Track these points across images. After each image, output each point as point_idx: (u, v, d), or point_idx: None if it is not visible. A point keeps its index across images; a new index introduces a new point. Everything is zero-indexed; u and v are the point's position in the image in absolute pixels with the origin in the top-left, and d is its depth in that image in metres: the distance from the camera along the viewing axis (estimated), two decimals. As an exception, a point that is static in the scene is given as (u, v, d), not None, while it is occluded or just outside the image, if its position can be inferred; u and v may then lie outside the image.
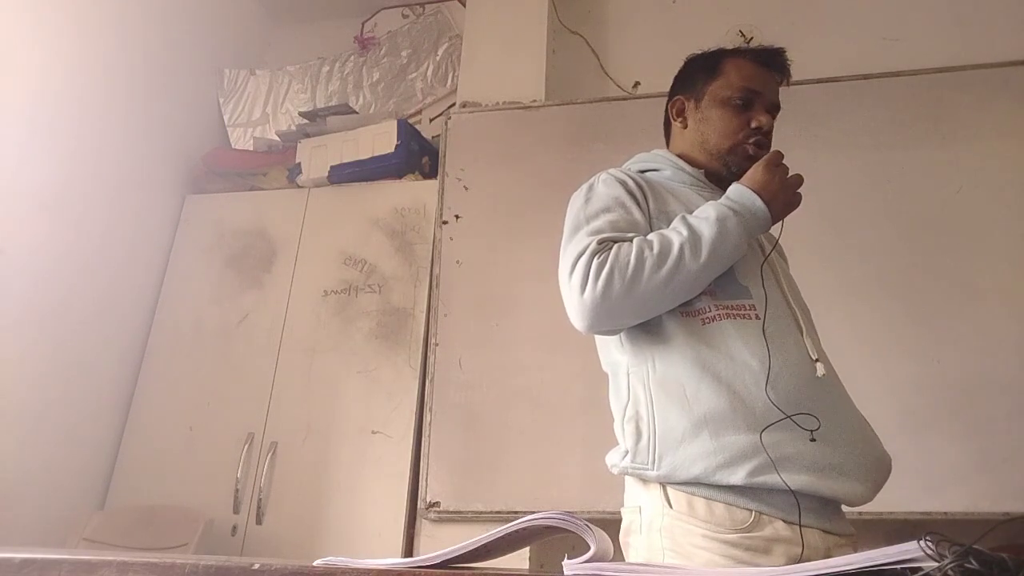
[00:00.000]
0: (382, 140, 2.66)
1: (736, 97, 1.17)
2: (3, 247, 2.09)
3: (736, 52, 1.23)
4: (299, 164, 2.75)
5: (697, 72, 1.25)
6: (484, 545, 0.64)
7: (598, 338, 1.16)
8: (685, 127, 1.24)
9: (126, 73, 2.59)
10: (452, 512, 2.07)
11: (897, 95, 2.31)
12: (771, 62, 1.21)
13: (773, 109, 1.20)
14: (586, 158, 2.34)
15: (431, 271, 2.42)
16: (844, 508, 1.04)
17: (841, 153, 2.26)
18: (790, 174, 1.10)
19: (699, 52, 1.28)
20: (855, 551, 0.98)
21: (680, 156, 1.23)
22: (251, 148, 3.02)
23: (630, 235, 1.04)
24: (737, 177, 1.12)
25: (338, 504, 2.20)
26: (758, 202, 1.05)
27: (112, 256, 2.48)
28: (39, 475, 2.17)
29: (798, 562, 0.75)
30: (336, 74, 3.26)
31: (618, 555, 1.00)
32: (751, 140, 1.17)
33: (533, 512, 0.64)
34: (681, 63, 1.31)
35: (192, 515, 2.15)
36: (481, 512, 2.04)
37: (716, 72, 1.21)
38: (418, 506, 2.11)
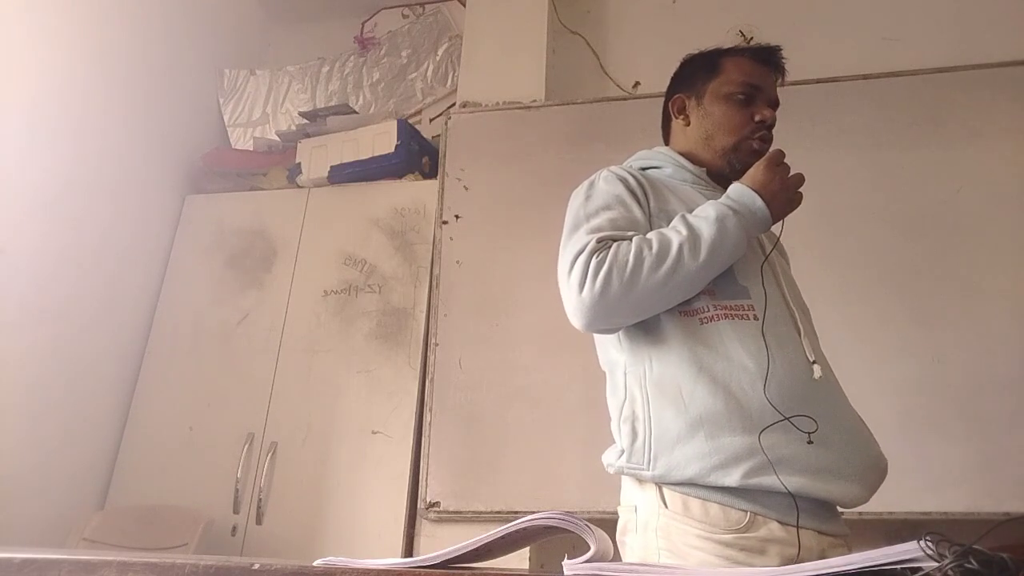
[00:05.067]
0: (382, 140, 2.66)
1: (738, 93, 1.18)
2: (3, 247, 2.09)
3: (734, 50, 1.25)
4: (299, 164, 2.75)
5: (697, 70, 1.25)
6: (484, 545, 0.64)
7: (597, 336, 1.16)
8: (687, 124, 1.25)
9: (126, 73, 2.59)
10: (452, 512, 2.06)
11: (897, 95, 2.31)
12: (768, 59, 1.22)
13: (773, 104, 1.21)
14: (586, 158, 2.33)
15: (431, 271, 2.42)
16: (841, 509, 1.04)
17: (841, 153, 2.26)
18: (791, 173, 1.10)
19: (696, 52, 1.29)
20: (849, 551, 0.98)
21: (682, 153, 1.23)
22: (251, 148, 3.02)
23: (630, 233, 1.04)
24: (741, 174, 1.12)
25: (338, 504, 2.20)
26: (758, 201, 1.05)
27: (112, 256, 2.47)
28: (39, 475, 2.16)
29: (794, 563, 0.75)
30: (336, 74, 3.27)
31: (617, 554, 1.00)
32: (756, 135, 1.17)
33: (533, 512, 0.64)
34: (681, 63, 1.31)
35: (192, 515, 2.15)
36: (481, 512, 2.04)
37: (716, 69, 1.22)
38: (418, 506, 2.11)
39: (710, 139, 1.20)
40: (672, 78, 1.30)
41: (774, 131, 1.21)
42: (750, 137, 1.17)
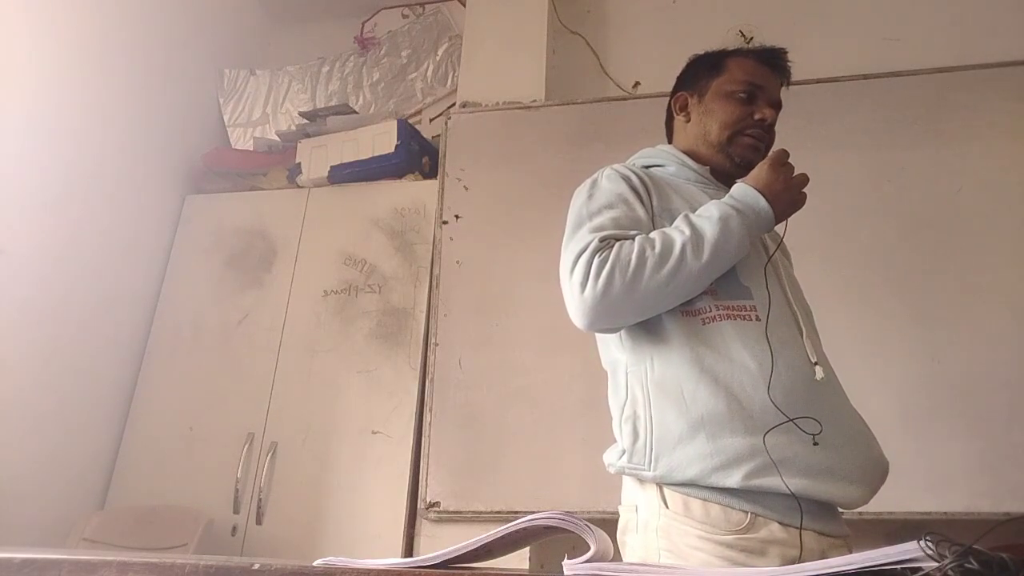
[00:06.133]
0: (382, 140, 2.66)
1: (740, 91, 1.18)
2: (3, 247, 2.09)
3: (739, 51, 1.25)
4: (299, 164, 2.75)
5: (701, 69, 1.26)
6: (484, 545, 0.64)
7: (598, 336, 1.16)
8: (688, 121, 1.25)
9: (126, 73, 2.59)
10: (452, 512, 2.06)
11: (897, 95, 2.31)
12: (773, 61, 1.22)
13: (775, 105, 1.21)
14: (586, 158, 2.33)
15: (431, 271, 2.42)
16: (841, 509, 1.04)
17: (841, 153, 2.26)
18: (795, 173, 1.10)
19: (702, 52, 1.29)
20: (850, 552, 0.98)
21: (684, 152, 1.23)
22: (251, 148, 3.02)
23: (632, 232, 1.04)
24: (743, 168, 1.12)
25: (338, 504, 2.20)
26: (762, 201, 1.05)
27: (112, 256, 2.47)
28: (39, 475, 2.17)
29: (795, 563, 0.75)
30: (336, 74, 3.27)
31: (617, 554, 1.00)
32: (749, 130, 1.17)
33: (533, 512, 0.64)
34: (681, 63, 1.32)
35: (192, 515, 2.15)
36: (481, 512, 2.04)
37: (720, 68, 1.22)
38: (418, 506, 2.11)
39: (707, 135, 1.21)
40: (678, 77, 1.31)
41: (775, 132, 1.21)
42: (743, 132, 1.17)
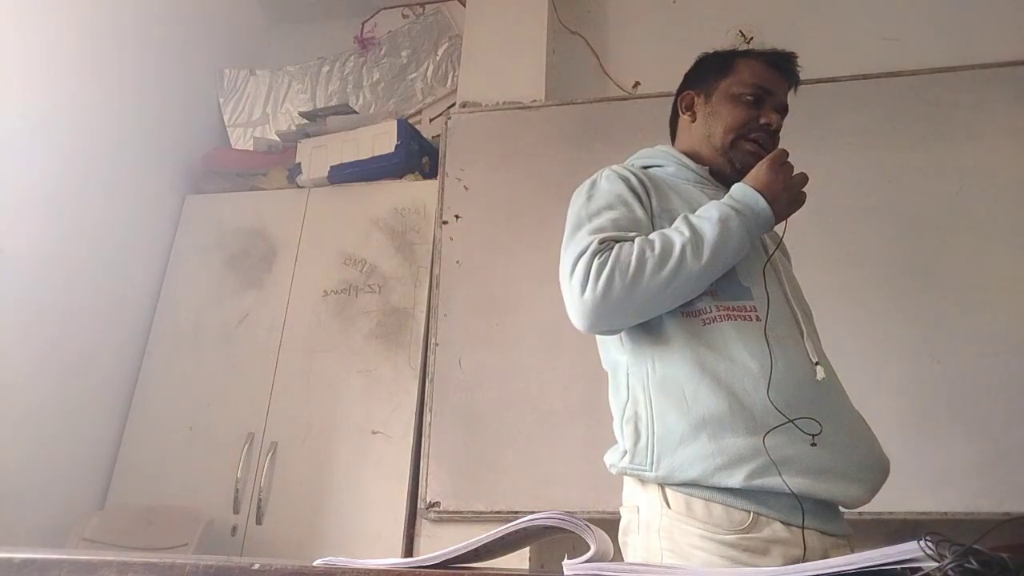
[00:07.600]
0: (382, 140, 2.66)
1: (747, 94, 1.18)
2: (3, 247, 2.09)
3: (749, 53, 1.24)
4: (299, 164, 2.75)
5: (709, 68, 1.25)
6: (484, 545, 0.64)
7: (598, 337, 1.16)
8: (693, 121, 1.25)
9: (126, 73, 2.59)
10: (452, 512, 2.06)
11: (897, 95, 2.31)
12: (782, 65, 1.21)
13: (782, 110, 1.21)
14: (586, 158, 2.33)
15: (431, 271, 2.42)
16: (842, 509, 1.04)
17: (841, 153, 2.26)
18: (794, 173, 1.09)
19: (712, 51, 1.28)
20: (852, 551, 0.98)
21: (686, 152, 1.23)
22: (251, 148, 3.02)
23: (632, 233, 1.04)
24: (742, 173, 1.12)
25: (338, 504, 2.20)
26: (761, 202, 1.05)
27: (112, 256, 2.47)
28: (39, 475, 2.16)
29: (797, 563, 0.75)
30: (336, 74, 3.27)
31: (617, 554, 1.00)
32: (753, 135, 1.17)
33: (533, 512, 0.64)
34: (681, 63, 1.31)
35: (192, 515, 2.15)
36: (481, 512, 2.04)
37: (729, 69, 1.22)
38: (418, 506, 2.11)
39: (711, 136, 1.20)
40: (685, 75, 1.30)
41: (779, 136, 1.20)
42: (747, 136, 1.17)
